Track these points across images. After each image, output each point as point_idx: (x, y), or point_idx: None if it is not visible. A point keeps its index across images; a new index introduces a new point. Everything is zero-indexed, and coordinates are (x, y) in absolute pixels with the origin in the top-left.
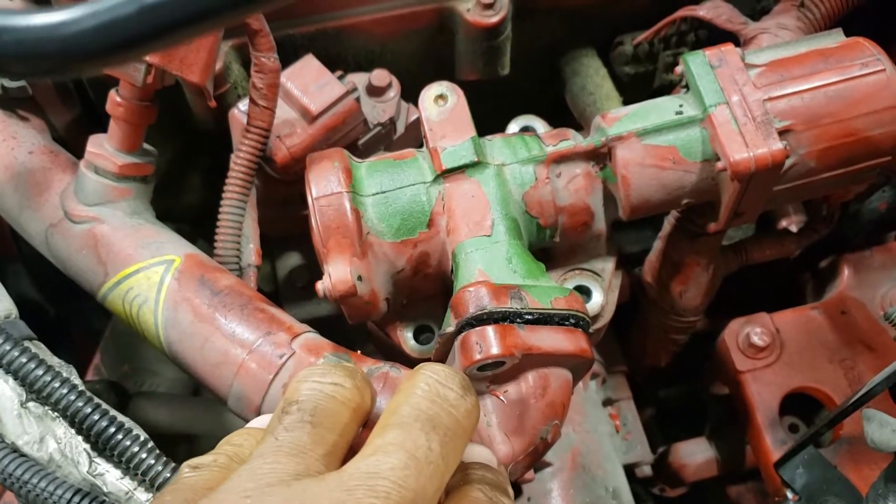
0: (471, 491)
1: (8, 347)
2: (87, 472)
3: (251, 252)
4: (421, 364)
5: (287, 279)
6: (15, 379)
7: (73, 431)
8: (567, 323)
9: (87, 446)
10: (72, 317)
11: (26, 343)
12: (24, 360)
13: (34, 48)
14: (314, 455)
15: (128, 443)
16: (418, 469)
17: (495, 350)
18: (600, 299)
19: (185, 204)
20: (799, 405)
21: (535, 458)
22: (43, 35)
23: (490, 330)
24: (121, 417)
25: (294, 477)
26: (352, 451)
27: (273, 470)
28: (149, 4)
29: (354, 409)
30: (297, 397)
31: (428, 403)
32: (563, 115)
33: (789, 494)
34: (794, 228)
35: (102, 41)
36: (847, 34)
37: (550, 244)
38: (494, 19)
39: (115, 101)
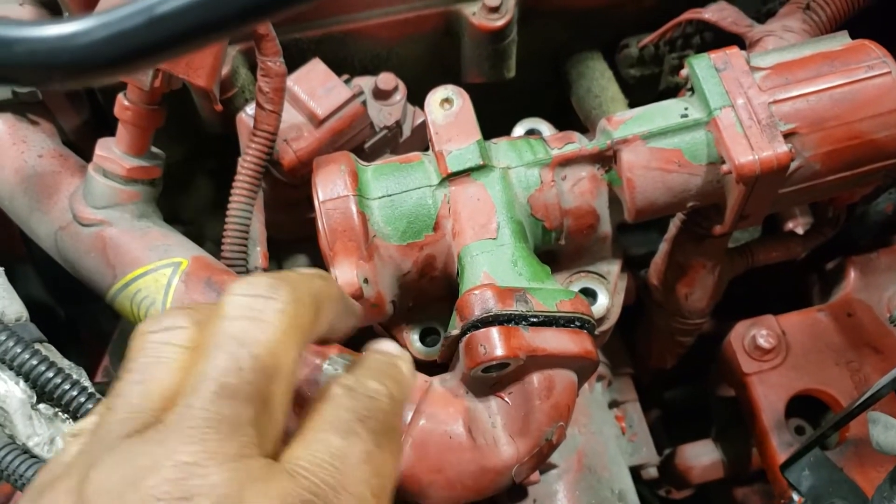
0: (330, 390)
1: (19, 350)
2: None
3: (258, 255)
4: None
5: None
6: (25, 381)
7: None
8: (572, 325)
9: None
10: (81, 318)
11: (37, 345)
12: (34, 362)
13: (46, 58)
14: (146, 407)
15: None
16: (231, 395)
17: (499, 352)
18: (606, 301)
19: (193, 206)
20: (805, 407)
21: (540, 460)
22: (55, 45)
23: (495, 331)
24: None
25: (122, 440)
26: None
27: (104, 435)
28: (158, 15)
29: (194, 347)
30: (132, 352)
31: (231, 324)
32: (569, 117)
33: (795, 496)
34: (800, 230)
35: (113, 52)
36: (853, 36)
37: (556, 247)
38: (500, 23)
39: (122, 105)
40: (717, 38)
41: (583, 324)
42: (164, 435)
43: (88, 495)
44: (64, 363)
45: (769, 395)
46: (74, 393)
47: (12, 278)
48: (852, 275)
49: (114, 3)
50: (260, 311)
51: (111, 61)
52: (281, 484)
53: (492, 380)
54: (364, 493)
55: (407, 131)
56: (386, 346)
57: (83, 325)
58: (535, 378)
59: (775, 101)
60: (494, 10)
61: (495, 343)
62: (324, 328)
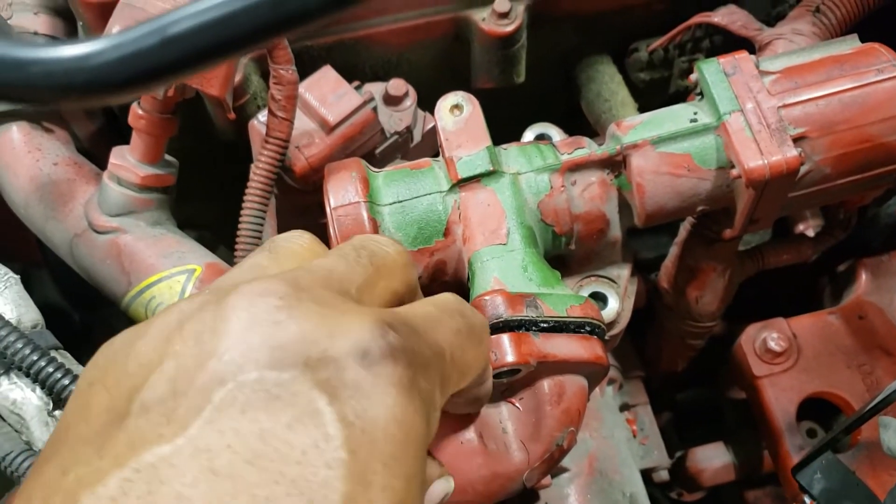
0: (442, 294)
1: (35, 357)
2: None
3: None
4: None
5: None
6: (42, 388)
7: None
8: (582, 330)
9: None
10: (96, 323)
11: (53, 353)
12: (50, 369)
13: (62, 79)
14: (269, 267)
15: None
16: (347, 265)
17: (510, 358)
18: (616, 306)
19: (206, 211)
20: (816, 410)
21: (551, 465)
22: (70, 66)
23: (505, 338)
24: None
25: (250, 275)
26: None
27: (231, 274)
28: (170, 36)
29: (313, 249)
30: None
31: (360, 239)
32: (579, 121)
33: (807, 500)
34: (810, 233)
35: (126, 72)
36: (863, 39)
37: (566, 252)
38: (509, 28)
39: (136, 113)
40: (727, 41)
41: (593, 329)
42: (287, 271)
43: (215, 290)
44: (79, 370)
45: (780, 398)
46: None
47: (28, 283)
48: (863, 277)
49: (124, 14)
50: (385, 244)
51: (125, 82)
52: (377, 308)
53: (503, 385)
54: (444, 350)
55: (417, 136)
56: None
57: (98, 330)
58: (546, 384)
59: (785, 106)
60: (504, 15)
61: (506, 349)
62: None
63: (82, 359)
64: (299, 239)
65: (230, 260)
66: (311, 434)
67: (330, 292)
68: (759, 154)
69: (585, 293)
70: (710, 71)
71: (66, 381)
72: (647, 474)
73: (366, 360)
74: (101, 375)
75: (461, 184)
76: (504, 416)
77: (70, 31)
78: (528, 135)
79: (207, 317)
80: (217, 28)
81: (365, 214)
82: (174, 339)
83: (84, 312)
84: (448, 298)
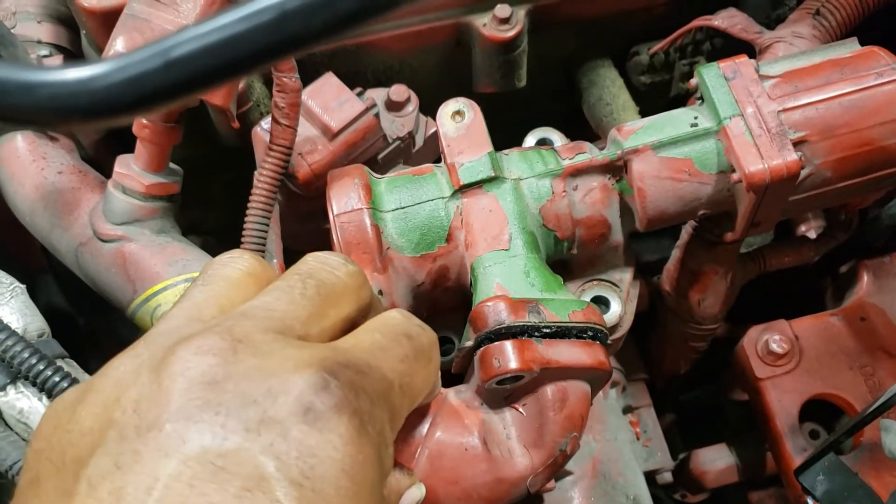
0: (386, 312)
1: (41, 367)
2: None
3: (275, 267)
4: None
5: None
6: (48, 397)
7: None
8: (585, 336)
9: None
10: (102, 328)
11: (59, 362)
12: (56, 378)
13: (67, 102)
14: (205, 304)
15: None
16: (290, 300)
17: (513, 365)
18: (618, 309)
19: (211, 218)
20: (819, 411)
21: (554, 470)
22: (74, 89)
23: (508, 345)
24: None
25: (185, 322)
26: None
27: (167, 321)
28: (173, 59)
29: (252, 273)
30: (200, 273)
31: (308, 266)
32: (581, 125)
33: (810, 501)
34: (812, 234)
35: (130, 95)
36: (862, 43)
37: (568, 256)
38: (510, 33)
39: (140, 122)
40: (727, 44)
41: (595, 334)
42: (223, 316)
43: (153, 352)
44: (85, 378)
45: (783, 400)
46: None
47: (34, 290)
48: (865, 279)
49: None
50: (334, 266)
51: (129, 104)
52: (319, 349)
53: (506, 391)
54: (393, 381)
55: (420, 142)
56: None
57: (104, 335)
58: (549, 390)
59: (785, 110)
60: (505, 20)
61: (509, 356)
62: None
63: (88, 365)
64: (237, 262)
65: None
66: (260, 502)
67: (270, 336)
68: (760, 158)
69: (588, 297)
70: (711, 75)
71: None
72: (650, 476)
73: (309, 416)
74: (47, 447)
75: (463, 190)
76: (508, 422)
77: (73, 40)
78: (530, 140)
79: (144, 383)
80: (221, 51)
81: (368, 221)
82: (113, 407)
83: (89, 318)
84: (393, 321)
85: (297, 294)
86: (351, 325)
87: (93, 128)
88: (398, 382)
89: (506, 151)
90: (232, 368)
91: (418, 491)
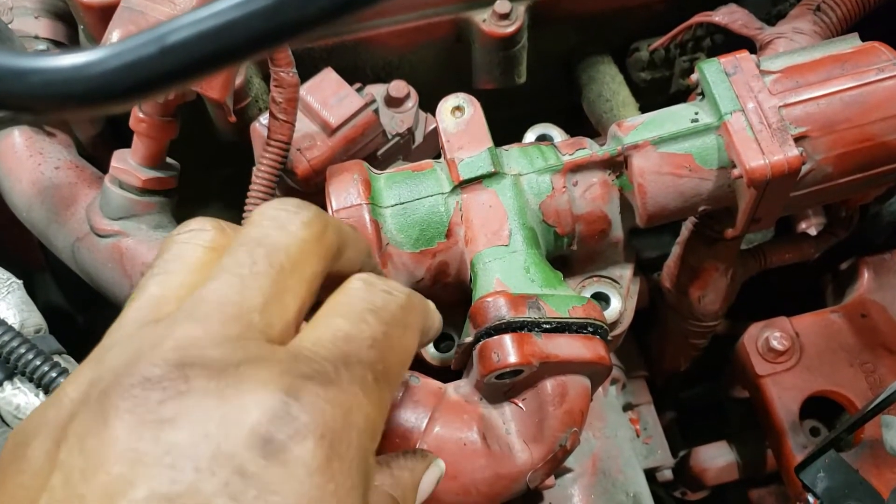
0: (348, 282)
1: (38, 363)
2: None
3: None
4: None
5: None
6: (46, 393)
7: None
8: (585, 331)
9: None
10: (99, 324)
11: (56, 357)
12: (54, 374)
13: (60, 89)
14: (163, 299)
15: None
16: (241, 284)
17: (513, 359)
18: (619, 306)
19: (208, 214)
20: (820, 408)
21: (554, 465)
22: (68, 76)
23: (507, 339)
24: None
25: (138, 328)
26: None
27: (120, 325)
28: (169, 45)
29: (216, 248)
30: (157, 254)
31: (255, 229)
32: (580, 121)
33: (811, 498)
34: (813, 231)
35: (125, 81)
36: (863, 38)
37: (568, 252)
38: (510, 29)
39: (137, 117)
40: (728, 40)
41: (595, 329)
42: (173, 319)
43: (101, 374)
44: None
45: (783, 397)
46: None
47: (31, 286)
48: (866, 275)
49: (124, 18)
50: (285, 221)
51: (124, 91)
52: (280, 361)
53: (505, 386)
54: (365, 375)
55: (419, 138)
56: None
57: (101, 331)
58: (549, 384)
59: (786, 105)
60: (504, 16)
61: (508, 350)
62: (347, 265)
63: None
64: (199, 237)
65: None
66: None
67: (226, 348)
68: (761, 154)
69: (588, 294)
70: (711, 71)
71: None
72: (650, 474)
73: (268, 448)
74: (2, 489)
75: (463, 185)
76: (507, 417)
77: (71, 35)
78: (530, 136)
79: (90, 419)
80: (217, 37)
81: (367, 216)
82: (61, 447)
83: (87, 315)
84: (354, 295)
85: (246, 273)
86: (324, 280)
87: (88, 116)
88: (371, 376)
89: (506, 147)
90: (184, 401)
91: (436, 469)
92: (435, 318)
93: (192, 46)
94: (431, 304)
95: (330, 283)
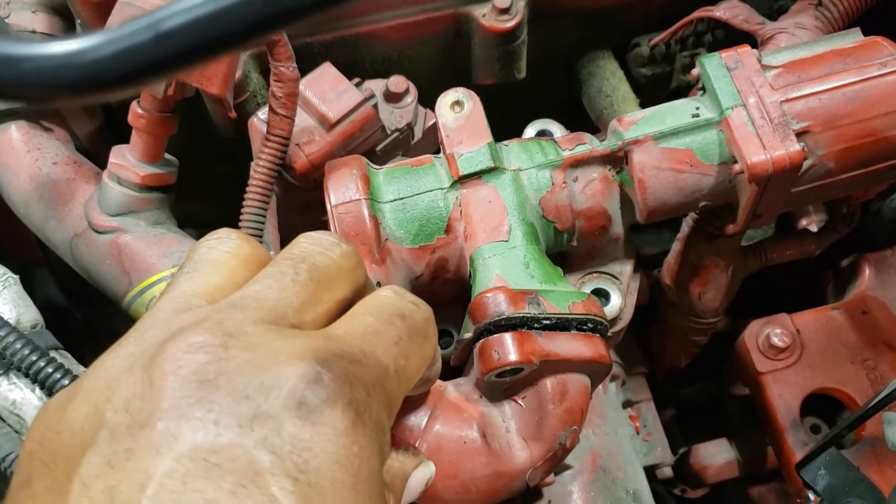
0: (379, 290)
1: (34, 358)
2: None
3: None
4: None
5: None
6: (42, 389)
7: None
8: (585, 328)
9: None
10: (98, 320)
11: (52, 353)
12: (50, 370)
13: (53, 76)
14: (193, 294)
15: None
16: (282, 287)
17: (513, 357)
18: (619, 302)
19: (207, 209)
20: (821, 405)
21: (553, 464)
22: (61, 63)
23: (508, 337)
24: None
25: (173, 314)
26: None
27: (154, 313)
28: (164, 31)
29: (241, 255)
30: (186, 257)
31: (300, 248)
32: (580, 117)
33: (811, 496)
34: (814, 228)
35: (119, 68)
36: (865, 33)
37: (568, 248)
38: (510, 24)
39: (136, 112)
40: (729, 35)
41: (595, 326)
42: (214, 307)
43: (143, 348)
44: (79, 370)
45: (784, 395)
46: None
47: (30, 282)
48: (867, 272)
49: (123, 13)
50: (327, 247)
51: (118, 78)
52: (312, 339)
53: (505, 384)
54: (388, 366)
55: (418, 133)
56: None
57: (100, 327)
58: (549, 383)
59: (787, 100)
60: (504, 11)
61: (509, 348)
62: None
63: (84, 357)
64: (224, 245)
65: None
66: (255, 498)
67: (261, 328)
68: (762, 149)
69: (588, 290)
70: (713, 66)
71: (66, 382)
72: (650, 471)
73: (302, 409)
74: (38, 448)
75: (462, 180)
76: (507, 415)
77: (69, 30)
78: (530, 131)
79: (135, 383)
80: (211, 23)
81: (366, 212)
82: (104, 407)
83: (85, 310)
84: (385, 300)
85: (288, 280)
86: (346, 306)
87: (82, 104)
88: (393, 367)
89: (505, 142)
90: (223, 364)
91: (426, 469)
92: (438, 360)
93: (187, 33)
94: (439, 350)
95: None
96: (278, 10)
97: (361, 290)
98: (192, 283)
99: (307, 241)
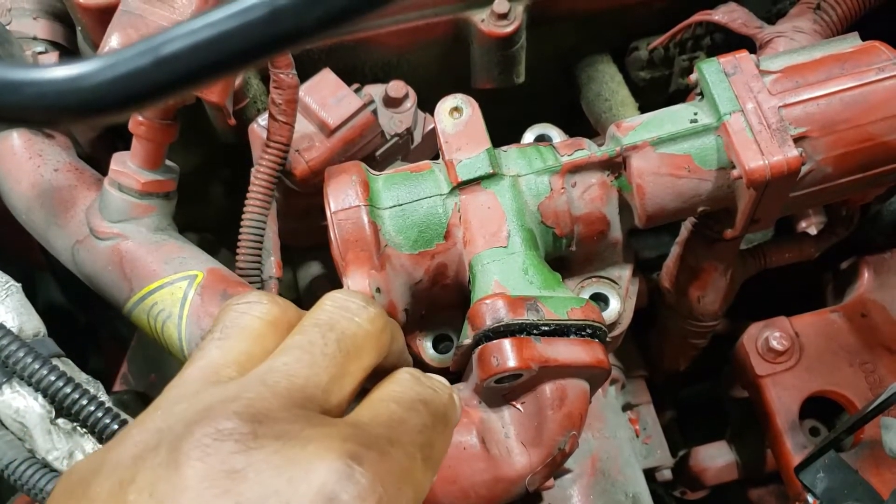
0: (398, 373)
1: (37, 366)
2: None
3: (272, 265)
4: None
5: (308, 288)
6: (44, 396)
7: (101, 447)
8: (584, 334)
9: None
10: (100, 323)
11: (54, 361)
12: (52, 377)
13: (55, 101)
14: (223, 363)
15: None
16: (311, 361)
17: (512, 363)
18: (618, 307)
19: (208, 214)
20: (820, 408)
21: (552, 469)
22: (63, 88)
23: (507, 343)
24: None
25: (203, 386)
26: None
27: (184, 382)
28: (163, 56)
29: (271, 320)
30: (216, 321)
31: (327, 314)
32: (580, 121)
33: (810, 499)
34: (813, 231)
35: (119, 93)
36: (863, 37)
37: (567, 253)
38: (509, 29)
39: (137, 120)
40: (728, 39)
41: (594, 331)
42: (245, 381)
43: (171, 424)
44: (81, 377)
45: (783, 397)
46: (92, 408)
47: (33, 286)
48: (866, 275)
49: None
50: (354, 312)
51: (119, 102)
52: (341, 430)
53: (504, 389)
54: (415, 454)
55: (418, 138)
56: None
57: (102, 330)
58: (548, 388)
59: (785, 105)
60: (503, 16)
61: (508, 354)
62: (390, 360)
63: (87, 361)
64: (255, 309)
65: (232, 264)
66: None
67: (292, 413)
68: (760, 154)
69: (586, 295)
70: (711, 71)
71: (68, 390)
72: (650, 474)
73: None
74: None
75: (461, 187)
76: (506, 421)
77: (69, 36)
78: (528, 136)
79: (161, 465)
80: (212, 48)
81: (365, 218)
82: (128, 489)
83: (89, 314)
84: (406, 385)
85: (318, 353)
86: (372, 374)
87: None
88: (420, 456)
89: (504, 148)
90: (252, 455)
91: None
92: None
93: (187, 58)
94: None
95: (373, 372)
96: (280, 34)
97: (388, 352)
98: (222, 351)
99: (333, 305)
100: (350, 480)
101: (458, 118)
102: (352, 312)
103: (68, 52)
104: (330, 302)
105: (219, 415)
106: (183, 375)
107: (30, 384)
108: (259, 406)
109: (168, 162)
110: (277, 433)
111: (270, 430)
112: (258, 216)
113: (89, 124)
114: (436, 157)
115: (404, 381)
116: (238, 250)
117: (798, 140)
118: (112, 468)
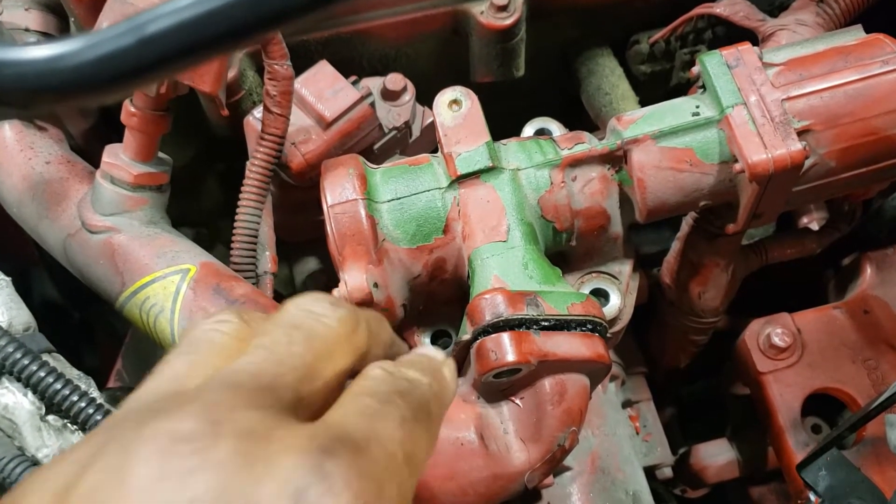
0: (369, 368)
1: (26, 362)
2: None
3: (267, 259)
4: None
5: (304, 283)
6: (34, 393)
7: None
8: (584, 329)
9: None
10: (95, 319)
11: (45, 356)
12: (42, 374)
13: (35, 82)
14: (188, 375)
15: None
16: (278, 361)
17: (511, 357)
18: (618, 302)
19: (202, 208)
20: (822, 405)
21: (552, 465)
22: (43, 68)
23: (505, 337)
24: None
25: (165, 394)
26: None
27: (145, 391)
28: (147, 35)
29: (241, 337)
30: (181, 337)
31: (290, 315)
32: (579, 115)
33: (812, 497)
34: (815, 226)
35: (102, 73)
36: (867, 30)
37: (567, 248)
38: (508, 21)
39: (129, 111)
40: (730, 32)
41: (594, 327)
42: (205, 385)
43: (119, 433)
44: (72, 373)
45: (785, 394)
46: (83, 404)
47: (26, 281)
48: (868, 271)
49: (114, 10)
50: (321, 314)
51: (101, 83)
52: (310, 427)
53: (503, 385)
54: (395, 451)
55: (416, 131)
56: (430, 350)
57: (97, 326)
58: (547, 383)
59: (789, 98)
60: (502, 8)
61: (506, 349)
62: (375, 360)
63: (82, 356)
64: (222, 326)
65: (226, 258)
66: None
67: (257, 414)
68: (763, 148)
69: (587, 290)
70: (713, 63)
71: (58, 386)
72: (650, 471)
73: (301, 502)
74: None
75: (460, 180)
76: (505, 416)
77: (62, 27)
78: (528, 130)
79: (109, 466)
80: (198, 27)
81: (363, 212)
82: (70, 496)
83: (82, 308)
84: (377, 380)
85: (283, 353)
86: (352, 374)
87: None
88: (401, 452)
89: (504, 141)
90: (211, 454)
91: None
92: (453, 386)
93: (172, 37)
94: (451, 370)
95: (352, 376)
96: (267, 13)
97: (364, 356)
98: (187, 363)
99: (297, 308)
100: (319, 475)
101: (457, 111)
102: (317, 314)
103: None
104: (294, 305)
105: (174, 415)
106: (143, 387)
107: (19, 380)
108: (221, 406)
109: (161, 154)
110: (240, 432)
111: (232, 429)
112: (253, 210)
113: (72, 106)
114: (434, 150)
115: (376, 376)
116: (232, 245)
117: (801, 133)
118: (50, 482)
